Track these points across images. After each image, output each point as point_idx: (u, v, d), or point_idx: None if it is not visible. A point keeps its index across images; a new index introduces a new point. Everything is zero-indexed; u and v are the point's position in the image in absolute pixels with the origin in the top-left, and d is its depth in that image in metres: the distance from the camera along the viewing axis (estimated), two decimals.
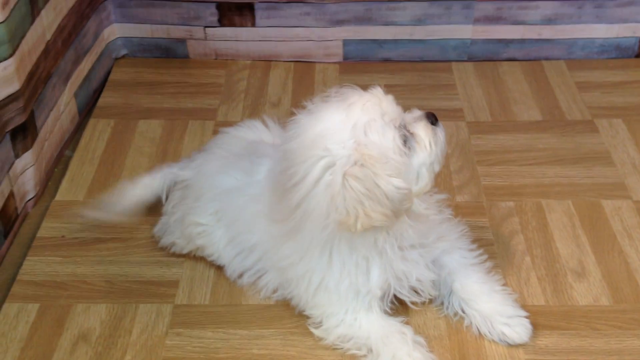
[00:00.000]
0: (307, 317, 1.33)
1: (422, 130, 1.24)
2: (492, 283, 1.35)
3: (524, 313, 1.31)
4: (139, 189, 1.54)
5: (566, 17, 2.05)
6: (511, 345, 1.29)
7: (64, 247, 1.54)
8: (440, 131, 1.26)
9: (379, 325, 1.27)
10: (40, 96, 1.70)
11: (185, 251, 1.47)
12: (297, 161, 1.17)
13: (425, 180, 1.24)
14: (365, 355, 1.26)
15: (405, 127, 1.22)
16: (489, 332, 1.30)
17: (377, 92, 1.22)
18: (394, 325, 1.28)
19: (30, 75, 1.64)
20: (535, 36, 2.09)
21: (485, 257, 1.39)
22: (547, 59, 2.12)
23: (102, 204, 1.53)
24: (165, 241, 1.49)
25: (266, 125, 1.57)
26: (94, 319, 1.38)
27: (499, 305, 1.31)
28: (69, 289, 1.44)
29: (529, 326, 1.30)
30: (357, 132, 1.16)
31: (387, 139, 1.17)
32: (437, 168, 1.26)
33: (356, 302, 1.27)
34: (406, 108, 1.27)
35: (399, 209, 1.19)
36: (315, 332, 1.30)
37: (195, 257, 1.49)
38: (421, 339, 1.27)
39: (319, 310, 1.30)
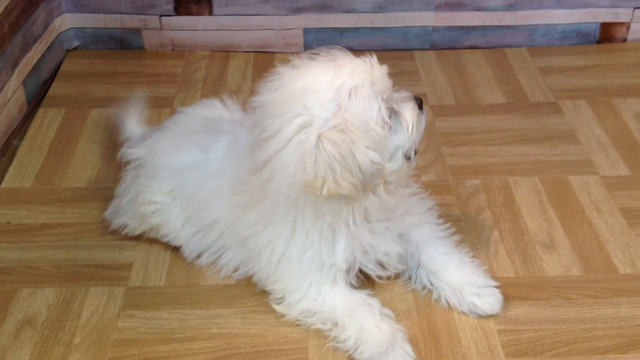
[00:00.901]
0: (269, 294, 1.26)
1: (408, 112, 1.18)
2: (461, 255, 1.30)
3: (495, 283, 1.26)
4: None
5: (527, 3, 2.04)
6: (482, 317, 1.24)
7: (9, 233, 1.45)
8: (424, 117, 1.21)
9: (344, 298, 1.21)
10: None
11: (137, 232, 1.40)
12: (272, 114, 1.11)
13: (398, 164, 1.18)
14: (330, 330, 1.20)
15: (391, 102, 1.16)
16: (459, 304, 1.24)
17: (371, 61, 1.15)
18: (360, 297, 1.22)
19: None
20: (496, 23, 2.07)
21: (453, 230, 1.35)
22: (508, 46, 2.10)
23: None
24: (117, 223, 1.41)
25: (225, 104, 1.52)
26: (40, 303, 1.29)
27: (468, 276, 1.26)
28: (13, 275, 1.35)
29: (500, 296, 1.25)
30: (342, 95, 1.10)
31: (371, 109, 1.11)
32: (413, 160, 1.21)
33: (320, 274, 1.21)
34: None
35: (368, 183, 1.14)
36: (277, 308, 1.24)
37: (150, 240, 1.41)
38: (389, 311, 1.21)
39: (281, 284, 1.23)
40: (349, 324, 1.17)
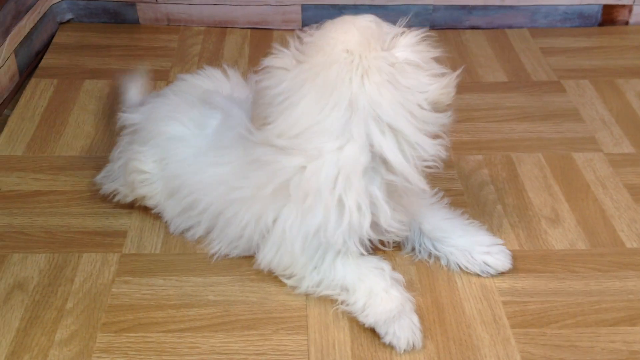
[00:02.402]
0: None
1: None
2: (459, 218, 1.28)
3: (501, 241, 1.25)
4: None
5: None
6: (493, 275, 1.22)
7: None
8: None
9: (355, 264, 1.16)
10: None
11: (128, 200, 1.35)
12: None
13: None
14: (338, 294, 1.16)
15: None
16: (470, 265, 1.22)
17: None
18: (371, 261, 1.17)
19: None
20: (497, 2, 2.04)
21: (441, 194, 1.31)
22: (510, 27, 2.07)
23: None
24: (107, 188, 1.36)
25: (226, 75, 1.46)
26: (31, 268, 1.25)
27: (475, 237, 1.24)
28: (4, 240, 1.31)
29: (509, 252, 1.23)
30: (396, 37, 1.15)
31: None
32: None
33: (344, 246, 1.14)
34: None
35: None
36: (288, 282, 1.19)
37: (144, 209, 1.37)
38: (400, 276, 1.17)
39: (292, 268, 1.17)
40: (359, 287, 1.13)
